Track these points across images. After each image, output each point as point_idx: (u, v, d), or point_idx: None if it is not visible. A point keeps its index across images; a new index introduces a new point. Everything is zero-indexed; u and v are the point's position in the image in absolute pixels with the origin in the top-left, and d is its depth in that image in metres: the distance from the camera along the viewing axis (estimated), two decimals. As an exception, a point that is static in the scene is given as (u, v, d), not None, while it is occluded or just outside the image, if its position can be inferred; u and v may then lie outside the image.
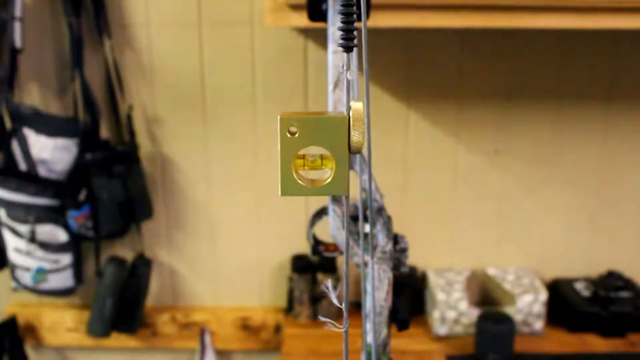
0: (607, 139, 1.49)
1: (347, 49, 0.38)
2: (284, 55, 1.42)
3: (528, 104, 1.47)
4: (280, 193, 0.40)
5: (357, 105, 0.39)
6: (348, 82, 0.39)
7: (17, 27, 1.36)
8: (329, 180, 0.40)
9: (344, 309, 0.46)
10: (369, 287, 0.64)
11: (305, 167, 0.40)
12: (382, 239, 0.65)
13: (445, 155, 1.49)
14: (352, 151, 0.39)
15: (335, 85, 0.61)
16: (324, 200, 0.75)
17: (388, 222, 0.64)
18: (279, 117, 0.38)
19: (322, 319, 0.49)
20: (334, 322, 0.47)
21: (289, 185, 0.40)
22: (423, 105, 1.46)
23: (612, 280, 1.48)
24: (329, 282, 0.45)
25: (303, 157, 0.40)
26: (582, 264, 1.56)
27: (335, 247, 0.87)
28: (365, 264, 0.62)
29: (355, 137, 0.39)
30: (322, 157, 0.40)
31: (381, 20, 1.15)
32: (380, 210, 0.64)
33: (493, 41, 1.42)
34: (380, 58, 1.43)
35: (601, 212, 1.54)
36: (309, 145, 0.39)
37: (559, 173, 1.51)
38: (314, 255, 0.86)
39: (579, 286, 1.51)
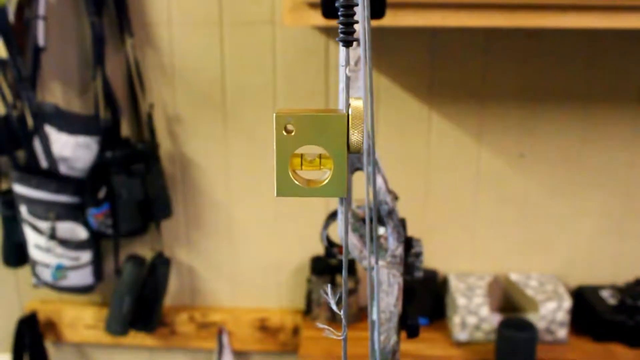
0: (636, 142, 1.45)
1: (346, 43, 0.36)
2: (305, 55, 1.41)
3: (554, 106, 1.44)
4: (275, 193, 0.38)
5: (357, 103, 0.37)
6: (347, 78, 0.37)
7: (40, 25, 1.37)
8: (326, 181, 0.38)
9: (342, 317, 0.44)
10: (369, 294, 0.62)
11: (303, 167, 0.39)
12: (392, 243, 0.63)
13: (468, 158, 1.47)
14: (351, 150, 0.38)
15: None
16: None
17: (399, 225, 0.62)
18: (274, 114, 0.37)
19: (320, 325, 0.47)
20: (331, 329, 0.45)
21: (285, 186, 0.38)
22: (445, 106, 1.44)
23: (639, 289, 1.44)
24: (328, 288, 0.43)
25: (300, 156, 0.39)
26: (608, 271, 1.52)
27: (349, 250, 0.85)
28: (374, 269, 0.61)
29: (355, 136, 0.37)
30: (320, 156, 0.39)
31: (403, 19, 1.13)
32: (391, 213, 0.62)
33: (518, 41, 1.39)
34: (403, 58, 1.40)
35: (629, 218, 1.49)
36: (306, 144, 0.38)
37: (585, 177, 1.47)
38: (328, 257, 0.85)
39: (605, 294, 1.47)
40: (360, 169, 0.59)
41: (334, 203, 1.49)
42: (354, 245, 0.60)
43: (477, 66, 1.41)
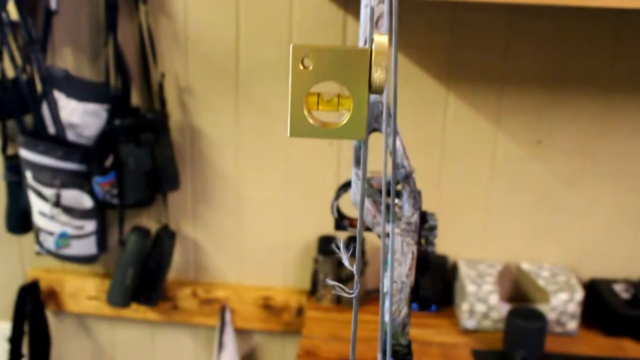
0: (657, 134, 1.41)
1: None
2: (322, 29, 1.37)
3: (575, 93, 1.40)
4: (288, 133, 0.35)
5: (381, 39, 0.34)
6: (372, 9, 0.34)
7: (53, -12, 1.34)
8: (344, 122, 0.35)
9: (355, 272, 0.41)
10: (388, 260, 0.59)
11: (320, 107, 0.36)
12: (407, 209, 0.60)
13: (484, 142, 1.43)
14: (373, 90, 0.34)
15: (365, 42, 0.56)
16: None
17: (415, 192, 0.59)
18: (291, 45, 0.34)
19: (329, 282, 0.44)
20: (342, 287, 0.42)
21: (299, 126, 0.35)
22: (463, 88, 1.40)
23: (654, 284, 1.41)
24: (340, 241, 0.40)
25: (317, 95, 0.36)
26: (622, 264, 1.49)
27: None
28: (388, 236, 0.58)
29: (378, 73, 0.34)
30: (339, 96, 0.36)
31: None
32: (407, 177, 0.59)
33: (541, 23, 1.35)
34: (422, 37, 1.37)
35: (646, 211, 1.46)
36: (324, 81, 0.34)
37: (603, 167, 1.43)
38: (338, 229, 0.82)
39: (618, 288, 1.43)
40: (377, 129, 0.56)
41: (346, 176, 1.46)
42: (367, 210, 0.57)
43: (498, 48, 1.37)
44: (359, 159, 0.55)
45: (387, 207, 0.61)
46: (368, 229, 0.82)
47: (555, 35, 1.35)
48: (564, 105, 1.40)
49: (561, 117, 1.41)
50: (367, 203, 0.58)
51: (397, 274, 0.61)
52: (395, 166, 0.57)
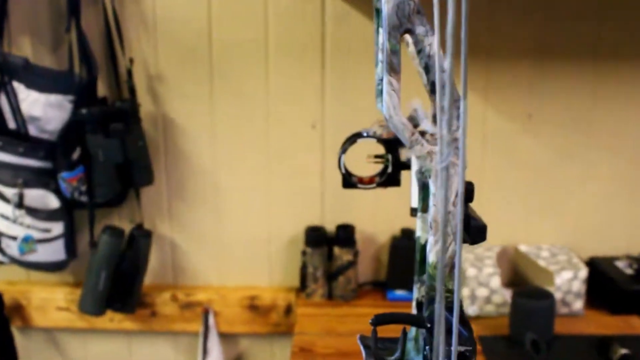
0: (651, 102, 1.36)
1: None
2: (299, 5, 1.30)
3: (564, 64, 1.34)
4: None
5: None
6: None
7: (6, -30, 1.24)
8: None
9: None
10: (432, 187, 0.51)
11: None
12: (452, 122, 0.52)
13: (473, 119, 1.37)
14: None
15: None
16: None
17: (458, 100, 0.51)
18: None
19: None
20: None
21: None
22: (451, 61, 1.33)
23: (657, 257, 1.35)
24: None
25: None
26: (621, 240, 1.43)
27: (371, 179, 0.73)
28: (431, 155, 0.49)
29: None
30: None
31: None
32: (443, 87, 0.51)
33: (528, -10, 1.30)
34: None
35: (643, 183, 1.41)
36: None
37: (597, 140, 1.38)
38: (345, 187, 0.73)
39: (621, 264, 1.37)
40: (410, 30, 0.48)
41: (330, 168, 1.38)
42: (402, 125, 0.48)
43: (483, 20, 1.31)
44: (393, 65, 0.46)
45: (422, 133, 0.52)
46: (381, 184, 0.74)
47: (540, 4, 1.30)
48: (553, 77, 1.35)
49: (551, 89, 1.35)
50: (402, 117, 0.49)
51: (440, 202, 0.52)
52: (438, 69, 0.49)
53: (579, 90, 1.36)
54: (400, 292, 1.38)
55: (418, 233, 0.66)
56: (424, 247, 0.65)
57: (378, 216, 1.40)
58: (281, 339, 1.46)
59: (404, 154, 0.73)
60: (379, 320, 0.53)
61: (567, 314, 1.31)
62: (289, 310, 1.42)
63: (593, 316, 1.33)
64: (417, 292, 0.67)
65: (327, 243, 1.37)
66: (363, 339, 0.57)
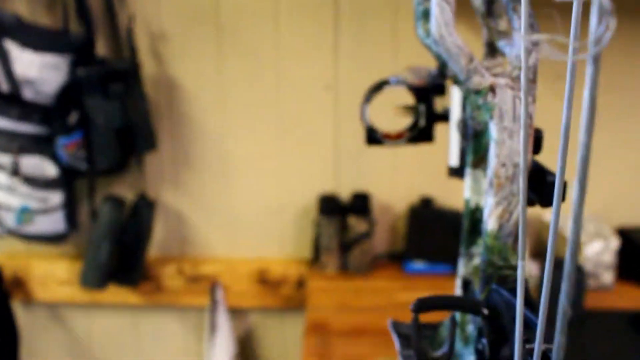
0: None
1: None
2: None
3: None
4: None
5: None
6: None
7: None
8: None
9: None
10: (493, 131, 0.42)
11: None
12: (519, 47, 0.43)
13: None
14: None
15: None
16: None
17: (533, 15, 0.42)
18: None
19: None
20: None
21: None
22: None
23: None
24: None
25: None
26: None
27: (400, 134, 0.65)
28: (493, 90, 0.41)
29: None
30: None
31: None
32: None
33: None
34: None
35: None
36: None
37: (631, 104, 1.29)
38: (370, 143, 0.64)
39: (653, 234, 1.29)
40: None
41: (344, 134, 1.29)
42: (457, 48, 0.40)
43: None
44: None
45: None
46: (412, 139, 0.66)
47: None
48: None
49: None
50: (457, 38, 0.40)
51: (506, 150, 0.44)
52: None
53: (612, 52, 1.26)
54: (419, 264, 1.31)
55: (467, 195, 0.58)
56: (474, 212, 0.57)
57: (395, 183, 1.32)
58: (293, 314, 1.39)
59: (439, 104, 0.65)
60: (423, 305, 0.45)
61: (595, 288, 1.24)
62: (300, 283, 1.35)
63: (624, 290, 1.25)
64: (464, 268, 0.59)
65: (341, 212, 1.29)
66: (396, 325, 0.49)
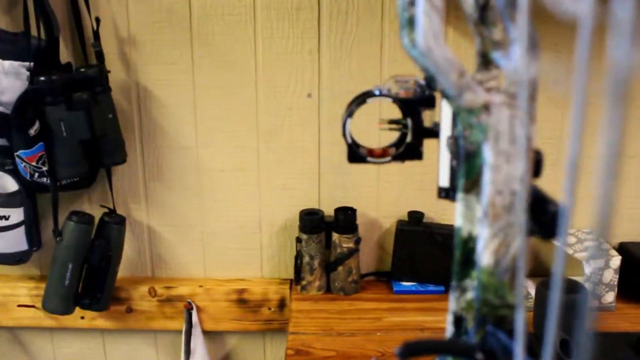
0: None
1: None
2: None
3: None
4: None
5: None
6: None
7: None
8: None
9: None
10: (487, 154, 0.35)
11: None
12: (517, 59, 0.36)
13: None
14: None
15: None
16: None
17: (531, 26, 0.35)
18: None
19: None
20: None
21: None
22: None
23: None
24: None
25: None
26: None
27: (385, 151, 0.57)
28: (488, 107, 0.33)
29: None
30: None
31: None
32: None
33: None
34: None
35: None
36: None
37: (631, 116, 1.22)
38: (352, 161, 0.57)
39: (655, 250, 1.22)
40: None
41: (326, 147, 1.21)
42: (447, 62, 0.32)
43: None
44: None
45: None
46: (398, 157, 0.58)
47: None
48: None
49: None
50: (447, 51, 0.33)
51: (502, 177, 0.37)
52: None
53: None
54: (407, 284, 1.23)
55: (459, 222, 0.50)
56: (466, 241, 0.49)
57: (382, 197, 1.25)
58: (273, 338, 1.32)
59: (428, 118, 0.57)
60: (410, 349, 0.38)
61: (596, 308, 1.16)
62: (282, 305, 1.27)
63: (626, 311, 1.18)
64: (455, 302, 0.51)
65: (324, 229, 1.22)
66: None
